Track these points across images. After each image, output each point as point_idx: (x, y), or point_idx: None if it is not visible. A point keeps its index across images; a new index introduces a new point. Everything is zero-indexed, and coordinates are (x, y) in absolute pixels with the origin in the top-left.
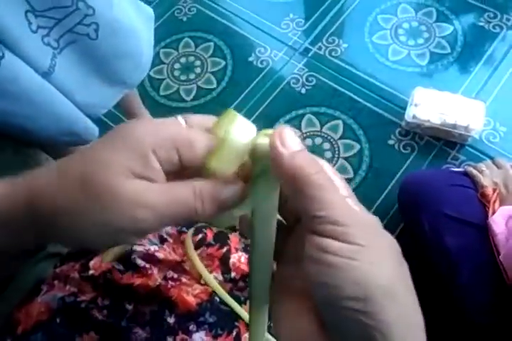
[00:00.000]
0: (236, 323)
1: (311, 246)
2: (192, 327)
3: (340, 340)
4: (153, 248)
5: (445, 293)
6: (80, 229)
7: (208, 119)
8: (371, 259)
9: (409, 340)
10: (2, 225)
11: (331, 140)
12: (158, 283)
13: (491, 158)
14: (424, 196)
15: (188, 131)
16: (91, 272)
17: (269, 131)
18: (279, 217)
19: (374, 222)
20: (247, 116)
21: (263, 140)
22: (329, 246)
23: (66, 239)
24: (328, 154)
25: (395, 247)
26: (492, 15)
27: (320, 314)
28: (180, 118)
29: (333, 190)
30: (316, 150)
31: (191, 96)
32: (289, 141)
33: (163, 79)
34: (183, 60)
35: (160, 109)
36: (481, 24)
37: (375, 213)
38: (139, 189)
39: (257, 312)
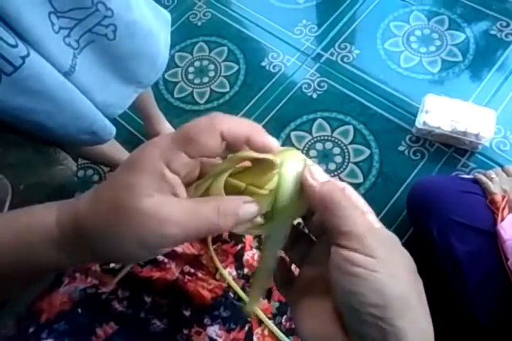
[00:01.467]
0: (248, 318)
1: (337, 258)
2: (207, 320)
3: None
4: None
5: (453, 299)
6: (115, 249)
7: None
8: (390, 271)
9: None
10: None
11: (342, 145)
12: (175, 277)
13: (501, 166)
14: (434, 202)
15: (179, 129)
16: (112, 265)
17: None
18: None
19: (393, 238)
20: (259, 120)
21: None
22: (354, 258)
23: (104, 257)
24: (339, 159)
25: (411, 264)
26: (505, 23)
27: (340, 315)
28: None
29: (357, 210)
30: (326, 154)
31: (204, 99)
32: (317, 175)
33: (178, 82)
34: (197, 63)
35: (174, 111)
36: (494, 32)
37: (384, 218)
38: (164, 207)
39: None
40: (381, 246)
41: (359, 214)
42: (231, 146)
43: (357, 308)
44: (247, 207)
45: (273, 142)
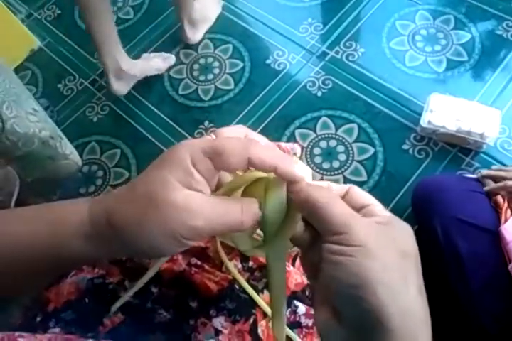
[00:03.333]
0: (253, 311)
1: (324, 251)
2: (212, 312)
3: (350, 326)
4: None
5: (456, 300)
6: (146, 239)
7: (235, 131)
8: (368, 256)
9: (408, 331)
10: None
11: (346, 143)
12: (182, 269)
13: (505, 166)
14: (438, 200)
15: (214, 141)
16: None
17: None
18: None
19: (374, 225)
20: (263, 117)
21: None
22: (334, 249)
23: (134, 249)
24: (343, 157)
25: (402, 246)
26: (511, 23)
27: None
28: (212, 134)
29: (336, 207)
30: (330, 152)
31: (209, 96)
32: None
33: (183, 79)
34: (202, 60)
35: (178, 108)
36: (499, 32)
37: None
38: (193, 201)
39: (277, 313)
40: (360, 235)
41: (335, 212)
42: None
43: (341, 291)
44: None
45: (298, 174)
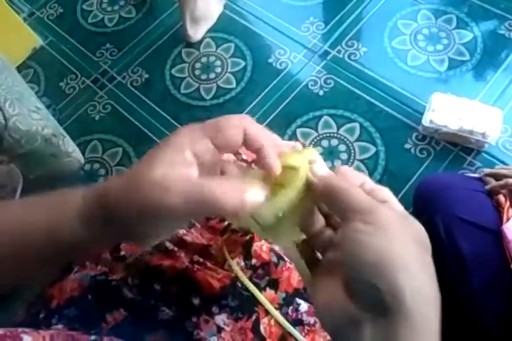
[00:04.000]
0: (256, 308)
1: (345, 229)
2: (215, 309)
3: (361, 303)
4: (181, 232)
5: (458, 299)
6: (131, 215)
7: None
8: (389, 236)
9: (421, 313)
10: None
11: (347, 142)
12: (185, 266)
13: (506, 165)
14: (440, 199)
15: (213, 121)
16: (122, 253)
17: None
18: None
19: (401, 213)
20: (265, 116)
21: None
22: (359, 227)
23: (124, 226)
24: (344, 156)
25: (418, 234)
26: None
27: (347, 284)
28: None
29: (355, 191)
30: (332, 151)
31: (211, 95)
32: (319, 172)
33: (185, 78)
34: (204, 59)
35: (180, 107)
36: (502, 32)
37: None
38: (171, 177)
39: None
40: (386, 216)
41: (359, 193)
42: (245, 146)
43: (357, 268)
44: (254, 192)
45: (275, 166)
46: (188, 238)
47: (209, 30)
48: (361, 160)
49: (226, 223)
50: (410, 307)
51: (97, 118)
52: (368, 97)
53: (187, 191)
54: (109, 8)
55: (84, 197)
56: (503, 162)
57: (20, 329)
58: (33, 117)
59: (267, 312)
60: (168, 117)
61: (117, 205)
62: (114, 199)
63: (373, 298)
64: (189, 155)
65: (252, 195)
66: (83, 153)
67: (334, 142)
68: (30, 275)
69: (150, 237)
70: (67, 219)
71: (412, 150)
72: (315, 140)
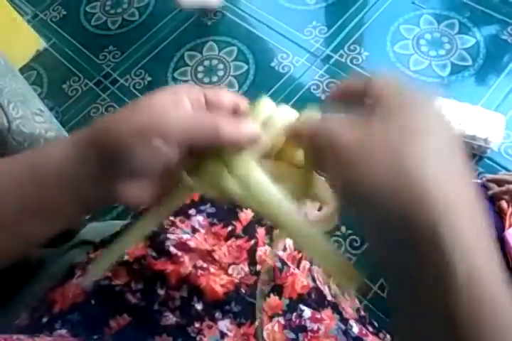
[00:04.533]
0: (259, 314)
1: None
2: (218, 314)
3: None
4: (185, 236)
5: None
6: (121, 137)
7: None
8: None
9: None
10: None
11: None
12: (188, 271)
13: (509, 171)
14: None
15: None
16: (126, 258)
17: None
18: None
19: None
20: None
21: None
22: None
23: (113, 158)
24: None
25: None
26: None
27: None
28: None
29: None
30: None
31: None
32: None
33: (187, 81)
34: (206, 62)
35: None
36: (504, 37)
37: None
38: (171, 104)
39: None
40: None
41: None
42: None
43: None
44: (250, 126)
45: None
46: (192, 243)
47: (212, 34)
48: None
49: (230, 228)
50: (442, 199)
51: None
52: None
53: (187, 115)
54: (112, 11)
55: (73, 137)
56: (505, 168)
57: (15, 336)
58: (37, 120)
59: (271, 318)
60: None
61: (115, 130)
62: (107, 127)
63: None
64: (187, 102)
65: (249, 127)
66: None
67: None
68: (16, 235)
69: (136, 181)
70: (54, 155)
71: None
72: None
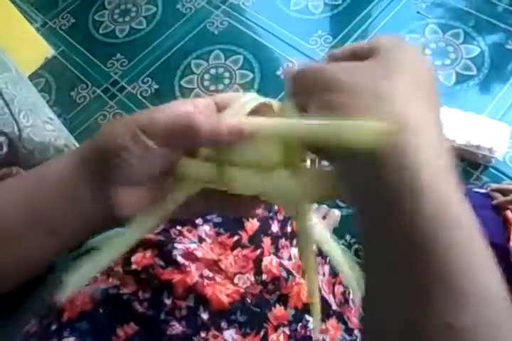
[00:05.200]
0: (264, 324)
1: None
2: (223, 324)
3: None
4: (192, 246)
5: None
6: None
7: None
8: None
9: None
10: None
11: None
12: (195, 281)
13: None
14: None
15: None
16: (134, 266)
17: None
18: None
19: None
20: None
21: None
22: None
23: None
24: None
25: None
26: None
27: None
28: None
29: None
30: None
31: None
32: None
33: (193, 89)
34: (212, 71)
35: None
36: (509, 47)
37: None
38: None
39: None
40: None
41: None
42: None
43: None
44: (227, 118)
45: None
46: (199, 253)
47: (218, 43)
48: None
49: (236, 238)
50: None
51: None
52: None
53: (174, 110)
54: (120, 20)
55: (78, 149)
56: (510, 177)
57: None
58: (47, 128)
59: (276, 328)
60: None
61: (111, 131)
62: (111, 127)
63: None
64: (192, 103)
65: (227, 117)
66: None
67: None
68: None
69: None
70: (57, 163)
71: None
72: None
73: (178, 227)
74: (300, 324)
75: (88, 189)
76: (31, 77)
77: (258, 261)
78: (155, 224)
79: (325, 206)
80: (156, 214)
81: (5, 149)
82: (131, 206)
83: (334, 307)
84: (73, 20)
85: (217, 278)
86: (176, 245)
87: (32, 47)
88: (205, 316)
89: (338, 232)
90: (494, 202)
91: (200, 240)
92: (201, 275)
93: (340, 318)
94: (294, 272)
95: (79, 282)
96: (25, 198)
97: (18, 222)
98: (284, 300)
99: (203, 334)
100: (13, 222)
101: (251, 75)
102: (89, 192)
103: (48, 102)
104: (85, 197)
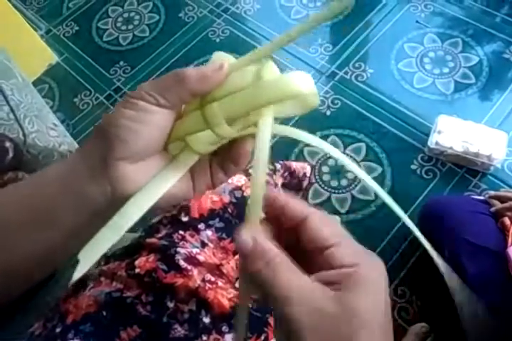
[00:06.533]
0: (265, 328)
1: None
2: (225, 328)
3: None
4: (195, 251)
5: (460, 321)
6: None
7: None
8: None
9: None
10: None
11: (354, 162)
12: (197, 285)
13: None
14: (446, 221)
15: None
16: (137, 270)
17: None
18: None
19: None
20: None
21: None
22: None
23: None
24: (351, 175)
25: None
26: None
27: None
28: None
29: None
30: (338, 170)
31: None
32: None
33: None
34: None
35: None
36: (507, 56)
37: (394, 236)
38: None
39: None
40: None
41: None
42: None
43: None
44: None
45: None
46: (201, 257)
47: (220, 50)
48: None
49: None
50: None
51: None
52: (374, 118)
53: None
54: (123, 27)
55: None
56: (508, 184)
57: None
58: (51, 134)
59: None
60: None
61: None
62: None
63: None
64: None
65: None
66: None
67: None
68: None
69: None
70: (57, 163)
71: (418, 171)
72: (322, 159)
73: (181, 232)
74: None
75: (89, 173)
76: (35, 83)
77: None
78: (171, 184)
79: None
80: (171, 176)
81: (11, 154)
82: (135, 182)
83: None
84: (77, 28)
85: (219, 283)
86: (178, 249)
87: (36, 54)
88: (206, 320)
89: None
90: (492, 209)
91: (203, 245)
92: (203, 280)
93: None
94: None
95: (92, 256)
96: (28, 196)
97: (19, 218)
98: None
99: (204, 338)
100: (14, 218)
101: None
102: (89, 175)
103: (51, 108)
104: (86, 182)
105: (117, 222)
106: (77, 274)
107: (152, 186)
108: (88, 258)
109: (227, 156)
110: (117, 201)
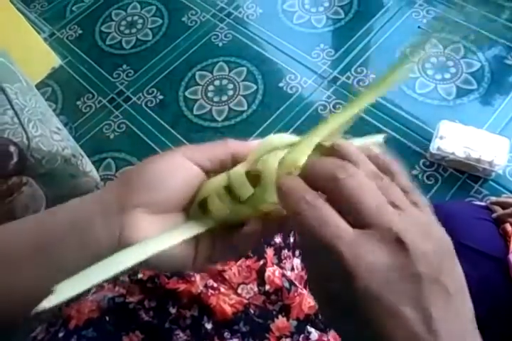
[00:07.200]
0: (267, 335)
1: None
2: (227, 334)
3: None
4: None
5: None
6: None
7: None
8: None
9: None
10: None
11: None
12: (199, 291)
13: None
14: (447, 227)
15: None
16: (140, 276)
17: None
18: None
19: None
20: None
21: None
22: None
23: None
24: None
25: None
26: None
27: None
28: None
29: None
30: None
31: (223, 117)
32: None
33: (197, 100)
34: (217, 82)
35: (192, 128)
36: (509, 62)
37: None
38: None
39: None
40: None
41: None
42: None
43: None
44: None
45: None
46: None
47: (223, 55)
48: None
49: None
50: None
51: (111, 137)
52: (376, 123)
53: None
54: (126, 31)
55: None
56: (510, 190)
57: None
58: (54, 138)
59: (278, 339)
60: (181, 137)
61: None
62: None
63: None
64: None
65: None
66: (97, 171)
67: None
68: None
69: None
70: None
71: (420, 176)
72: None
73: None
74: (302, 335)
75: (102, 215)
76: (38, 86)
77: (261, 272)
78: (177, 242)
79: None
80: (178, 235)
81: (15, 159)
82: (146, 232)
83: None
84: (80, 31)
85: (222, 288)
86: None
87: (39, 57)
88: (208, 326)
89: None
90: (494, 215)
91: None
92: (205, 286)
93: None
94: (296, 282)
95: (69, 292)
96: (36, 232)
97: (24, 253)
98: (286, 310)
99: None
100: (19, 253)
101: (254, 87)
102: (102, 217)
103: (54, 111)
104: (96, 224)
105: (108, 265)
106: (46, 303)
107: (158, 239)
108: (65, 292)
109: (234, 237)
110: (120, 248)
